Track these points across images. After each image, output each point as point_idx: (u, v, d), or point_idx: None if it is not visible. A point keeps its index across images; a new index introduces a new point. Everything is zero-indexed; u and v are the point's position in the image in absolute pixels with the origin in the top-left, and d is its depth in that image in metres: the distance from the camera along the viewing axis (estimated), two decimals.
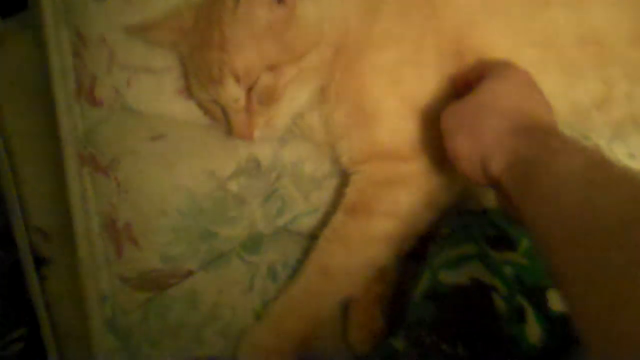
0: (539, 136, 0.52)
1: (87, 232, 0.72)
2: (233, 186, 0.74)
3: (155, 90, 0.75)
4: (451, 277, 0.62)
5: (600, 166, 0.46)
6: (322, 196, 0.76)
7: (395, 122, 0.67)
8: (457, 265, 0.62)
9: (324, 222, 0.74)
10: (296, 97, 0.68)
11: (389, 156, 0.67)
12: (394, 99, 0.67)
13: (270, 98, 0.66)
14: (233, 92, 0.65)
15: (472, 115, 0.57)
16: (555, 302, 0.57)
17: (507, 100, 0.56)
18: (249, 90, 0.65)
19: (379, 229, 0.66)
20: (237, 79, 0.64)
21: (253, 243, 0.74)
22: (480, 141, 0.55)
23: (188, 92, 0.74)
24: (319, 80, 0.68)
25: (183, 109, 0.75)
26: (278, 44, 0.65)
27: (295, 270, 0.73)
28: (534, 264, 0.60)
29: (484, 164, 0.54)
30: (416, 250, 0.72)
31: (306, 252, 0.73)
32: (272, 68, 0.65)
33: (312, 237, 0.74)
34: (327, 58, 0.67)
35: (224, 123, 0.70)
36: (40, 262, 0.94)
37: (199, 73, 0.68)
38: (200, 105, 0.73)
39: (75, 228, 0.72)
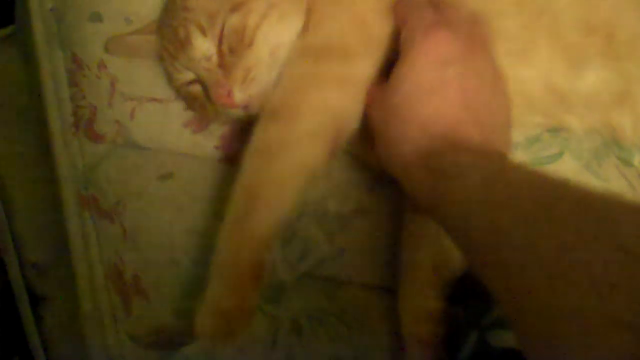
0: (442, 164, 0.47)
1: (91, 284, 0.65)
2: None
3: (162, 122, 0.68)
4: (503, 340, 0.55)
5: (498, 178, 0.43)
6: (349, 237, 0.69)
7: (359, 16, 0.57)
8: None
9: (353, 265, 0.68)
10: (273, 38, 0.58)
11: (334, 53, 0.57)
12: None
13: (241, 44, 0.57)
14: (202, 49, 0.57)
15: (390, 116, 0.51)
16: None
17: (426, 101, 0.49)
18: (220, 45, 0.57)
19: (304, 127, 0.56)
20: (203, 32, 0.57)
21: (274, 292, 0.67)
22: (398, 150, 0.50)
23: (168, 80, 0.65)
24: (300, 15, 0.58)
25: (192, 143, 0.68)
26: None
27: (322, 322, 0.66)
28: None
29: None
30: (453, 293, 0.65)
31: (331, 300, 0.67)
32: (237, 7, 0.57)
33: (340, 283, 0.68)
34: None
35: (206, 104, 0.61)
36: (36, 299, 0.88)
37: (169, 47, 0.60)
38: (182, 95, 0.64)
39: (77, 280, 0.65)
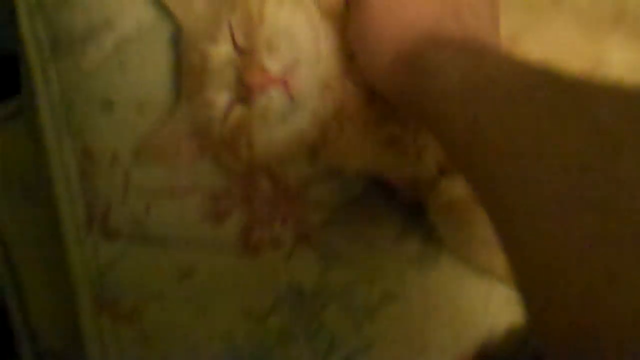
0: (423, 63, 0.46)
1: None
2: (275, 322, 0.65)
3: (179, 216, 0.65)
4: None
5: (477, 71, 0.42)
6: (379, 326, 0.66)
7: None
8: None
9: (384, 358, 0.65)
10: (283, 17, 0.55)
11: None
12: None
13: (252, 25, 0.54)
14: (221, 53, 0.55)
15: (369, 27, 0.51)
16: None
17: (407, 4, 0.49)
18: (234, 40, 0.55)
19: None
20: (214, 40, 0.55)
21: None
22: (380, 60, 0.50)
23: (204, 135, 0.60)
24: None
25: (212, 236, 0.65)
26: None
27: None
28: None
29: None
30: None
31: None
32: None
33: None
34: None
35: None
36: None
37: (192, 86, 0.58)
38: (227, 141, 0.58)
39: None
